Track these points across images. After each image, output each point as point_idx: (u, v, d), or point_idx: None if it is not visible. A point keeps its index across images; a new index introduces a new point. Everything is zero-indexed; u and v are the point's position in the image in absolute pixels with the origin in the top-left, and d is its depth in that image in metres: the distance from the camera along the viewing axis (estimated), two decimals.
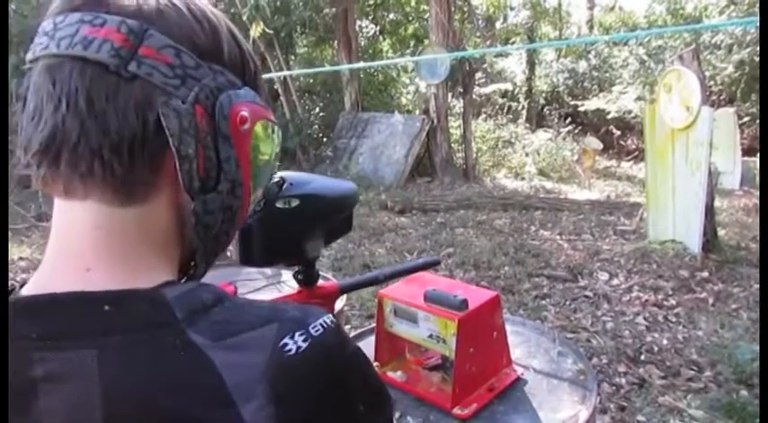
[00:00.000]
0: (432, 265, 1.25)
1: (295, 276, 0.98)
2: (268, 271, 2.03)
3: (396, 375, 1.31)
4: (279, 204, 0.85)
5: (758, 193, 7.28)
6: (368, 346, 1.40)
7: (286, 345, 0.49)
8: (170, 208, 0.54)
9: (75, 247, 0.51)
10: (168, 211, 0.54)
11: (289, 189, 0.87)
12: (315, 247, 0.96)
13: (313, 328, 0.51)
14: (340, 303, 1.95)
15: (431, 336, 1.22)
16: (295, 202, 0.86)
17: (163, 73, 0.50)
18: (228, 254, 0.86)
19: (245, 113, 0.55)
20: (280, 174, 0.90)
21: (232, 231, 0.60)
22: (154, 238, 0.54)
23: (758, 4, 10.57)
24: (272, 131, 0.61)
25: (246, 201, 0.59)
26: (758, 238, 5.38)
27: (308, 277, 0.98)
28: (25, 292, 0.51)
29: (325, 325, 0.52)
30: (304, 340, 0.49)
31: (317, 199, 0.89)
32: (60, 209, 0.52)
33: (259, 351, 0.48)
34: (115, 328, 0.47)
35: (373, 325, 1.40)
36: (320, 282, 1.01)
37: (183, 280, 0.60)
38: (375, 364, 1.33)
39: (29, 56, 0.51)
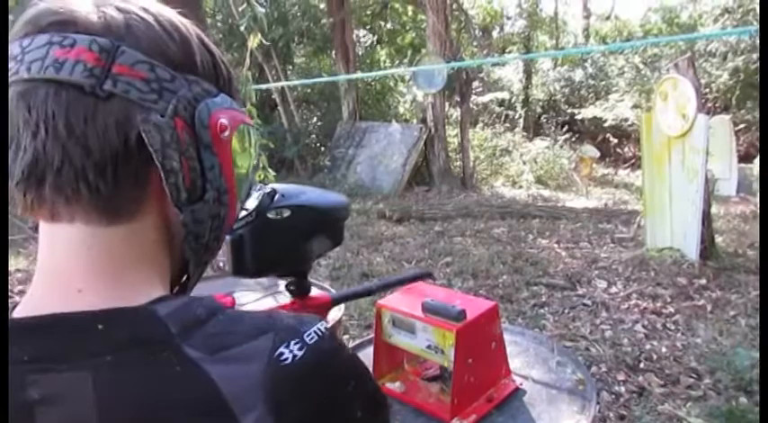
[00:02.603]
0: (424, 277, 1.25)
1: (287, 287, 0.98)
2: (265, 281, 2.03)
3: (394, 386, 1.31)
4: (270, 215, 0.86)
5: (755, 199, 7.31)
6: (366, 356, 1.40)
7: (282, 354, 0.49)
8: (158, 222, 0.54)
9: (65, 268, 0.51)
10: (157, 226, 0.54)
11: (280, 200, 0.88)
12: (307, 258, 0.97)
13: (308, 335, 0.51)
14: (338, 313, 1.95)
15: (429, 346, 1.22)
16: (287, 213, 0.87)
17: (139, 89, 0.50)
18: (221, 264, 0.86)
19: (224, 121, 0.55)
20: (271, 185, 0.90)
21: (221, 238, 0.60)
22: (144, 254, 0.54)
23: (757, 6, 10.64)
24: (250, 136, 0.61)
25: (233, 207, 0.59)
26: (756, 244, 5.39)
27: (300, 288, 0.99)
28: (17, 315, 0.50)
29: (319, 332, 0.52)
30: (299, 349, 0.50)
31: (308, 210, 0.90)
32: (47, 232, 0.52)
33: (255, 362, 0.48)
34: (109, 348, 0.47)
35: (371, 335, 1.40)
36: (313, 293, 1.02)
37: (176, 290, 0.60)
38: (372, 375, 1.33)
39: None
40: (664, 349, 3.45)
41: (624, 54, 13.58)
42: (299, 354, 0.50)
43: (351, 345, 1.53)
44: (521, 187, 10.03)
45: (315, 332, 0.52)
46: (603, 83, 13.97)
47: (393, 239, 6.28)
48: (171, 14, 0.55)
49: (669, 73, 5.01)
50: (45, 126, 0.48)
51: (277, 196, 0.88)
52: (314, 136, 11.01)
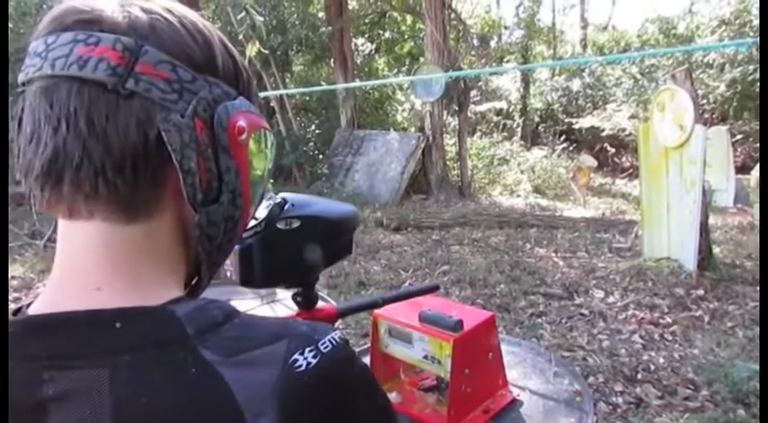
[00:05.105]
0: (431, 291, 1.24)
1: (294, 298, 0.97)
2: (262, 291, 2.02)
3: (390, 396, 1.29)
4: (280, 225, 0.85)
5: (752, 210, 7.32)
6: None
7: (296, 361, 0.49)
8: (174, 222, 0.55)
9: (83, 266, 0.51)
10: (173, 226, 0.55)
11: (290, 210, 0.87)
12: (314, 269, 0.96)
13: (322, 344, 0.51)
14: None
15: (426, 356, 1.21)
16: (296, 224, 0.86)
17: (160, 88, 0.50)
18: (228, 274, 0.85)
19: (242, 123, 0.55)
20: (281, 195, 0.90)
21: (234, 241, 0.61)
22: (160, 254, 0.54)
23: (754, 18, 10.70)
24: (267, 140, 0.62)
25: (247, 210, 0.60)
26: (753, 255, 5.39)
27: (306, 299, 0.98)
28: (32, 311, 0.51)
29: (333, 341, 0.52)
30: (314, 356, 0.50)
31: (318, 220, 0.89)
32: (65, 229, 0.52)
33: (270, 367, 0.48)
34: (126, 347, 0.47)
35: (368, 345, 1.39)
36: (319, 304, 1.01)
37: (187, 292, 0.60)
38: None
39: (21, 77, 0.51)
40: (661, 360, 3.44)
41: (621, 64, 13.66)
42: (314, 361, 0.49)
43: None
44: (518, 196, 10.04)
45: (329, 341, 0.52)
46: (601, 93, 14.03)
47: (390, 248, 6.28)
48: (194, 17, 0.56)
49: (666, 84, 5.03)
50: (66, 122, 0.48)
51: (287, 206, 0.87)
52: (312, 144, 11.01)
